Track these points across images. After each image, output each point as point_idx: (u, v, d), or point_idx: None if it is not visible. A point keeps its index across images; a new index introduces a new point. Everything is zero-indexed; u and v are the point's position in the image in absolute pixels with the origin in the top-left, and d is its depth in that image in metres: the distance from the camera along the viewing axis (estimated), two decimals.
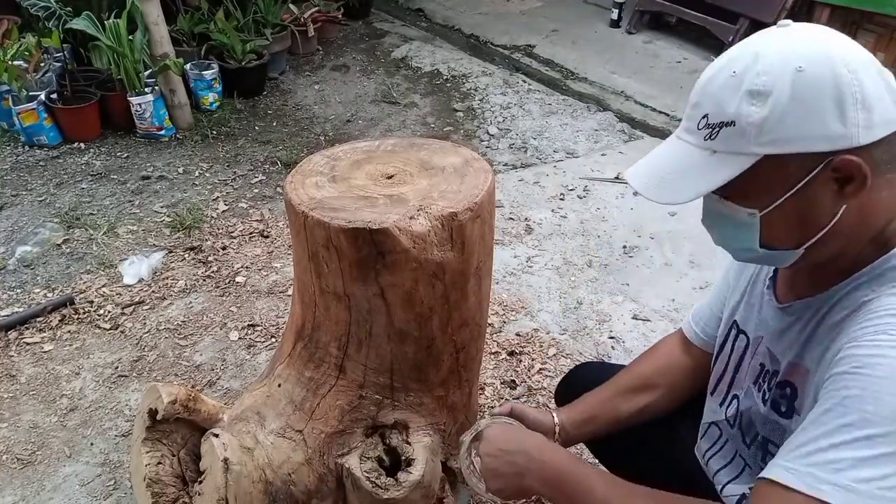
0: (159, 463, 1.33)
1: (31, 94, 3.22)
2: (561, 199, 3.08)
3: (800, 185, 0.72)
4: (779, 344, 0.89)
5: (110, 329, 2.26)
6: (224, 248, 2.66)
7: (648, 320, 2.35)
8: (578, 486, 0.92)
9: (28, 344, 2.19)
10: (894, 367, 0.67)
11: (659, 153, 0.82)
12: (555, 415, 1.21)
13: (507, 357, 2.18)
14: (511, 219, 2.93)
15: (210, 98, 3.67)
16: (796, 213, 0.75)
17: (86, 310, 2.33)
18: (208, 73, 3.62)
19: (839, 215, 0.73)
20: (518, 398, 2.02)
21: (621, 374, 1.24)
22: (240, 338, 2.25)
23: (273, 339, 2.24)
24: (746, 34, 4.16)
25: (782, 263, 0.83)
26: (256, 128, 3.61)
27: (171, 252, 2.64)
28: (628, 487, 0.90)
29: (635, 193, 3.06)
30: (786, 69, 0.69)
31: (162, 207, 2.91)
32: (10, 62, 3.21)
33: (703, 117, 0.75)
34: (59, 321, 2.28)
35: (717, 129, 0.73)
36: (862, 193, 0.71)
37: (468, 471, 1.09)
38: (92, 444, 1.87)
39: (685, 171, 0.77)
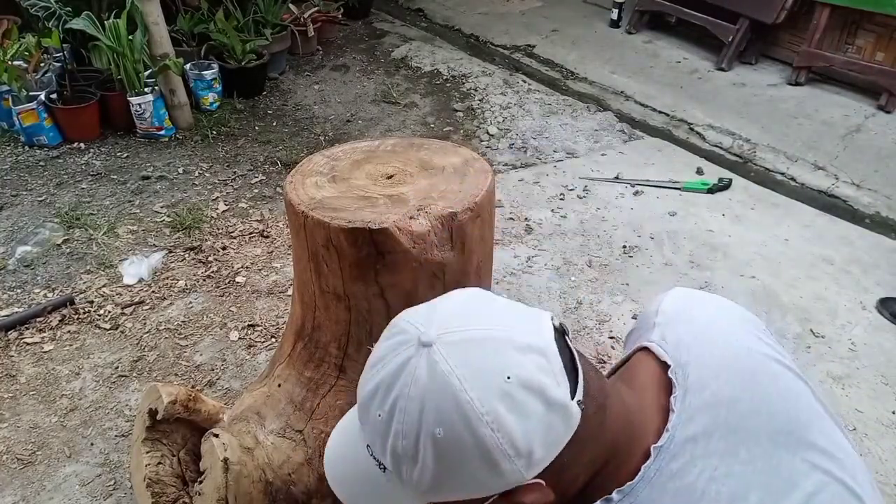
0: (159, 463, 1.33)
1: (30, 94, 3.22)
2: (561, 199, 3.08)
3: None
4: None
5: (110, 329, 2.26)
6: (224, 248, 2.66)
7: None
8: None
9: (28, 344, 2.19)
10: None
11: (344, 443, 0.74)
12: None
13: None
14: (511, 219, 2.93)
15: (210, 98, 3.67)
16: None
17: (86, 310, 2.33)
18: (208, 73, 3.61)
19: None
20: None
21: None
22: (240, 338, 2.25)
23: (273, 339, 2.24)
24: (746, 34, 4.17)
25: None
26: (256, 128, 3.61)
27: (171, 252, 2.64)
28: None
29: (634, 193, 3.08)
30: (424, 435, 0.62)
31: (162, 207, 2.91)
32: (10, 62, 3.21)
33: (367, 445, 0.68)
34: (59, 321, 2.28)
35: (380, 465, 0.67)
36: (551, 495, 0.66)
37: None
38: (92, 444, 1.87)
39: (367, 489, 0.70)
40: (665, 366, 0.76)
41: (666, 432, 0.69)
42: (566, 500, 0.69)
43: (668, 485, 0.67)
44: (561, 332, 0.68)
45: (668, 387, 0.74)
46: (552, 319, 0.69)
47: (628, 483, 0.67)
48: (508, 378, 0.61)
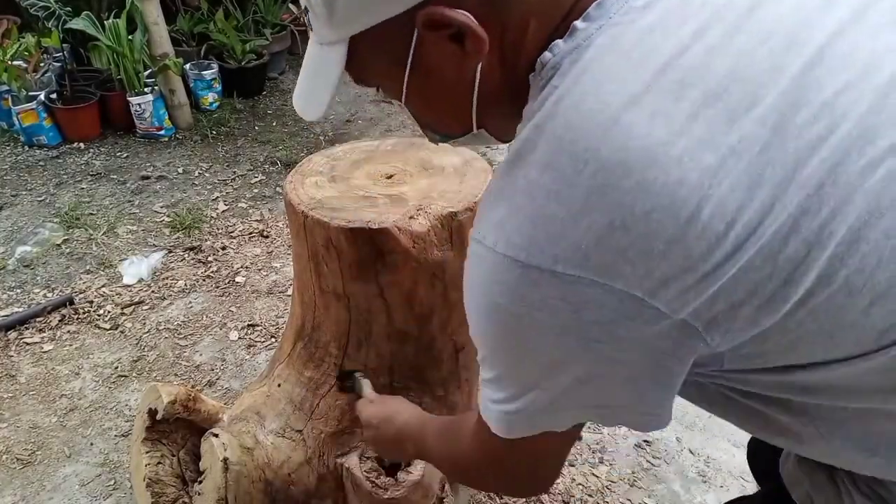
0: (159, 463, 1.33)
1: (30, 94, 3.22)
2: None
3: (411, 59, 0.59)
4: None
5: (110, 329, 2.26)
6: (224, 248, 2.66)
7: None
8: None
9: (28, 344, 2.19)
10: (472, 284, 0.59)
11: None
12: None
13: None
14: None
15: (210, 98, 3.67)
16: (433, 92, 0.63)
17: (85, 310, 2.33)
18: (208, 73, 3.62)
19: (479, 78, 0.60)
20: None
21: None
22: (240, 338, 2.25)
23: (273, 339, 2.24)
24: None
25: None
26: (256, 128, 3.61)
27: (170, 252, 2.64)
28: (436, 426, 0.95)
29: None
30: None
31: (162, 207, 2.91)
32: (9, 62, 3.21)
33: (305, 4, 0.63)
34: (59, 321, 2.27)
35: (307, 15, 0.62)
36: (487, 43, 0.56)
37: None
38: (92, 444, 1.87)
39: (312, 72, 0.66)
40: None
41: None
42: (504, 48, 0.59)
43: None
44: None
45: None
46: None
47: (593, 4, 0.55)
48: None
